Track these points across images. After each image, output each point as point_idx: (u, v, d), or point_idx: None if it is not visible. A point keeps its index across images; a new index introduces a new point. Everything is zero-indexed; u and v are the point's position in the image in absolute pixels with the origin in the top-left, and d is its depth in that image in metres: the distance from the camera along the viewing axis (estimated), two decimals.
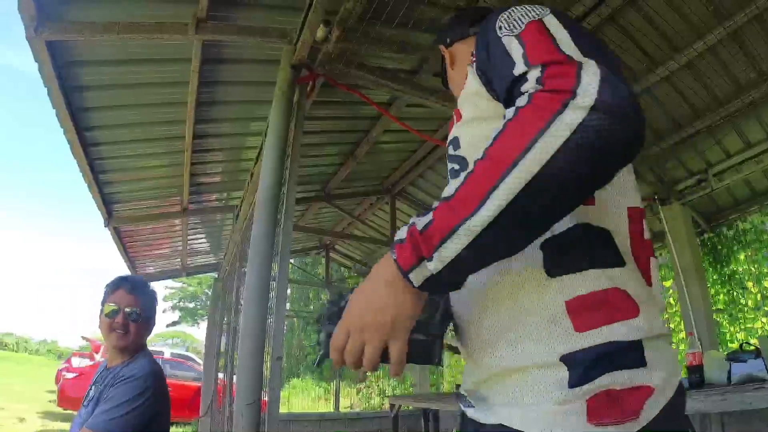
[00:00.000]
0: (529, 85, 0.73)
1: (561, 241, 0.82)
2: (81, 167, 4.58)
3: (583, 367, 0.75)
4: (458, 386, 1.19)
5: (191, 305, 26.36)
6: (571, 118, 0.65)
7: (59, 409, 12.00)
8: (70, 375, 12.45)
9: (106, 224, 5.87)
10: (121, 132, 4.40)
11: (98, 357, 16.72)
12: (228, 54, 3.74)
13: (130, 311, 2.04)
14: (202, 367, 13.20)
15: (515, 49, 0.81)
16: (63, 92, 3.58)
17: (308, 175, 6.18)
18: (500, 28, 0.87)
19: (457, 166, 0.96)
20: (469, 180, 0.71)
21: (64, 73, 3.47)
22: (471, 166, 0.72)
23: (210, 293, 24.23)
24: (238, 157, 5.39)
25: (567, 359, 0.76)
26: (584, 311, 0.78)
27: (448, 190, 0.73)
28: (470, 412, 0.89)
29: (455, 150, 0.98)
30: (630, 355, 0.77)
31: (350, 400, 15.57)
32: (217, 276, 9.38)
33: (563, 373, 0.76)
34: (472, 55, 0.98)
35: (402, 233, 0.76)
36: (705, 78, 4.44)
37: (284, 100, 3.24)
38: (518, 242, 0.74)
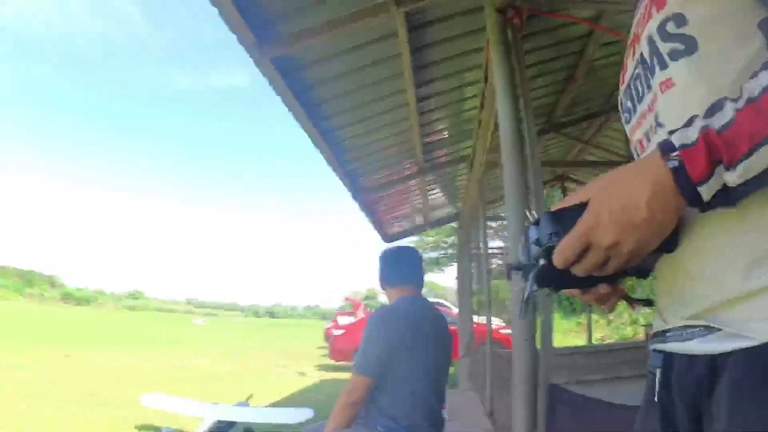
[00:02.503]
0: None
1: None
2: (324, 154, 5.11)
3: None
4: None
5: (434, 254, 27.51)
6: None
7: (332, 362, 13.76)
8: (338, 332, 14.13)
9: (354, 197, 6.50)
10: (351, 115, 4.78)
11: (360, 314, 18.49)
12: (431, 15, 3.77)
13: None
14: (454, 311, 13.87)
15: None
16: (294, 95, 3.97)
17: (533, 108, 6.11)
18: None
19: (681, 47, 0.80)
20: None
21: (291, 78, 3.84)
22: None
23: (449, 241, 25.00)
24: (460, 109, 5.47)
25: None
26: None
27: (752, 90, 0.61)
28: (699, 344, 0.75)
29: (678, 27, 0.81)
30: None
31: (601, 331, 15.16)
32: (458, 224, 9.75)
33: None
34: None
35: (689, 135, 0.64)
36: None
37: (500, 44, 3.22)
38: None
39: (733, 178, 0.61)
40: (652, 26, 0.86)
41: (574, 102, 6.18)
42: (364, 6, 3.38)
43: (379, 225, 8.47)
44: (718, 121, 0.62)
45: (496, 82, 3.15)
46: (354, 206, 6.89)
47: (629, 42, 1.00)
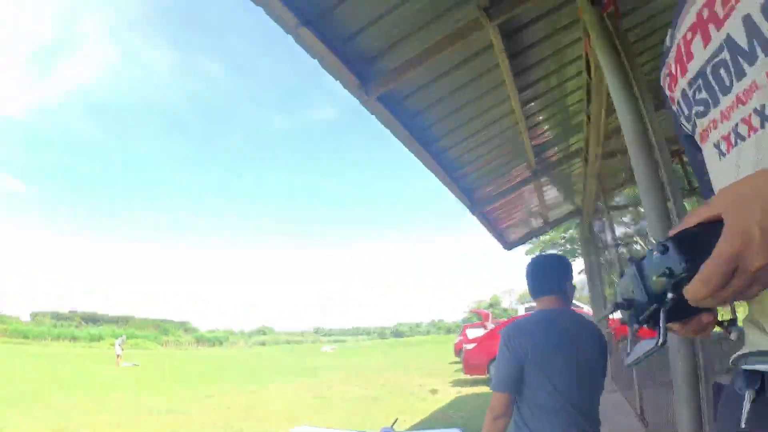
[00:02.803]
0: None
1: None
2: (437, 174, 5.21)
3: None
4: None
5: (553, 251, 26.75)
6: None
7: (467, 377, 13.58)
8: (469, 346, 13.95)
9: (471, 211, 6.50)
10: (459, 132, 4.83)
11: (489, 324, 18.19)
12: (523, 18, 3.72)
13: None
14: (585, 309, 13.28)
15: None
16: (403, 125, 4.10)
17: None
18: None
19: None
20: None
21: (397, 110, 3.96)
22: None
23: (566, 236, 24.08)
24: (566, 104, 5.36)
25: None
26: None
27: None
28: None
29: None
30: None
31: (745, 311, 14.06)
32: (579, 220, 9.46)
33: None
34: None
35: None
36: None
37: (602, 38, 3.18)
38: None
39: None
40: (750, 4, 0.72)
41: None
42: (457, 27, 3.41)
43: (499, 234, 8.40)
44: None
45: (605, 72, 3.10)
46: (463, 213, 6.87)
47: (689, 26, 0.88)
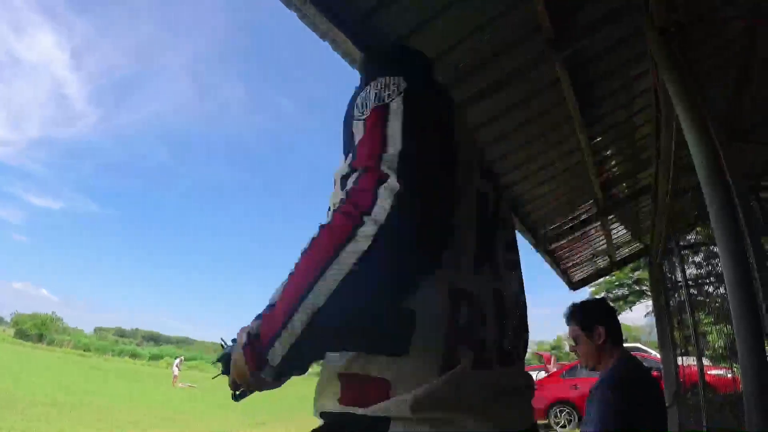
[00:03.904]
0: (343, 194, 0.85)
1: None
2: None
3: None
4: None
5: (619, 292, 25.87)
6: (358, 247, 0.77)
7: None
8: None
9: (536, 249, 6.37)
10: (524, 169, 4.78)
11: (552, 368, 17.68)
12: (589, 52, 3.67)
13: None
14: (653, 355, 12.66)
15: (357, 137, 0.92)
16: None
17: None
18: (357, 106, 0.95)
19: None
20: (284, 293, 0.85)
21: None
22: (286, 277, 0.86)
23: (634, 276, 23.26)
24: (634, 138, 5.22)
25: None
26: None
27: (273, 297, 0.89)
28: None
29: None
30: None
31: None
32: (649, 260, 9.11)
33: None
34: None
35: (243, 339, 0.92)
36: None
37: (670, 66, 3.09)
38: (332, 345, 0.94)
39: (273, 359, 0.87)
40: (337, 171, 1.01)
41: (756, 103, 5.63)
42: (523, 60, 3.40)
43: (565, 273, 8.21)
44: (256, 323, 0.91)
45: (675, 105, 2.99)
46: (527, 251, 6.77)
47: None
